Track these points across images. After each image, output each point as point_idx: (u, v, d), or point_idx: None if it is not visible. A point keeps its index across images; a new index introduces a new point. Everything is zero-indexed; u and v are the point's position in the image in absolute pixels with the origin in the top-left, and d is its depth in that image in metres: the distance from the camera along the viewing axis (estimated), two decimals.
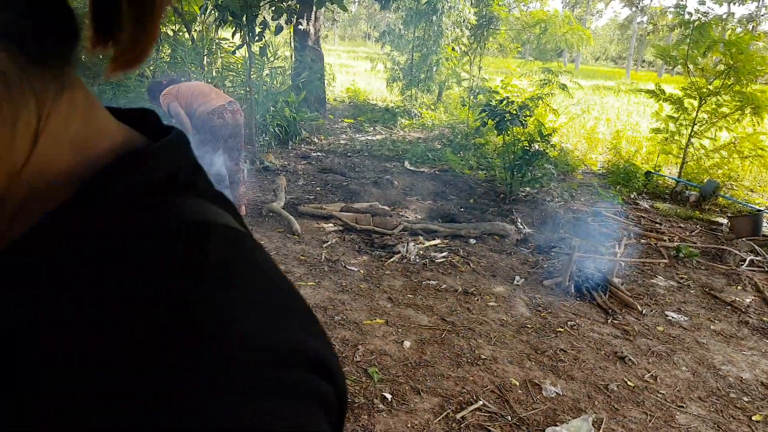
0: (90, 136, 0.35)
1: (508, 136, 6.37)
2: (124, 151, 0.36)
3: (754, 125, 7.23)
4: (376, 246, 4.70)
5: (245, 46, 6.84)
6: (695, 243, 5.41)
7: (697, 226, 6.04)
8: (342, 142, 9.02)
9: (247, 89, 7.34)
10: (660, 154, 8.13)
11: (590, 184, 7.41)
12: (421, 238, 4.88)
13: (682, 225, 6.08)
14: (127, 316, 0.29)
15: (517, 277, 4.33)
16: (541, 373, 3.12)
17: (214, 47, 8.39)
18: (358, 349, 3.17)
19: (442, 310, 3.73)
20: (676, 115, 7.66)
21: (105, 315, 0.29)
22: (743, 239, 5.46)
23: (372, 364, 3.05)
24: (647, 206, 6.73)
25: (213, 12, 6.89)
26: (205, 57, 8.16)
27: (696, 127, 7.42)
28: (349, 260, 4.37)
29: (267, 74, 8.86)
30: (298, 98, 8.70)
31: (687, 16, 7.58)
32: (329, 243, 4.66)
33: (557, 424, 2.72)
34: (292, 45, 10.36)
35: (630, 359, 3.34)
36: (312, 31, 10.03)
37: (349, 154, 8.21)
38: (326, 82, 11.48)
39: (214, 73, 8.24)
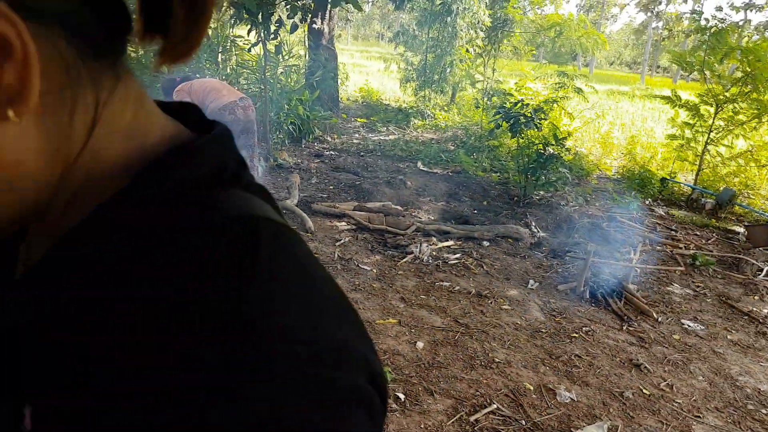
0: (141, 128, 0.36)
1: (523, 138, 6.33)
2: (172, 144, 0.36)
3: None
4: (389, 246, 4.68)
5: (260, 44, 6.85)
6: (711, 251, 5.35)
7: (714, 235, 5.97)
8: (355, 141, 9.01)
9: (262, 87, 7.35)
10: (675, 161, 8.05)
11: (605, 189, 7.35)
12: (434, 239, 4.86)
13: (698, 233, 6.02)
14: (177, 311, 0.29)
15: (532, 281, 4.30)
16: (555, 378, 3.09)
17: (230, 44, 8.41)
18: None
19: (455, 312, 3.70)
20: (692, 122, 7.58)
21: (155, 310, 0.29)
22: (760, 248, 5.39)
23: (385, 363, 3.03)
24: (663, 213, 6.66)
25: (229, 9, 6.91)
26: (220, 54, 8.18)
27: (712, 134, 7.34)
28: (362, 259, 4.35)
29: (281, 72, 8.88)
30: (312, 97, 8.71)
31: (703, 23, 7.50)
32: (342, 241, 4.65)
33: (572, 430, 2.68)
34: (307, 44, 10.37)
35: (645, 367, 3.30)
36: (326, 30, 10.03)
37: (361, 153, 8.20)
38: (339, 81, 11.48)
39: (228, 71, 8.27)
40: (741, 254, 5.29)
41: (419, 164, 7.68)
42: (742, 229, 6.12)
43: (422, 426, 2.59)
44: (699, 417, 2.91)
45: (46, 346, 0.31)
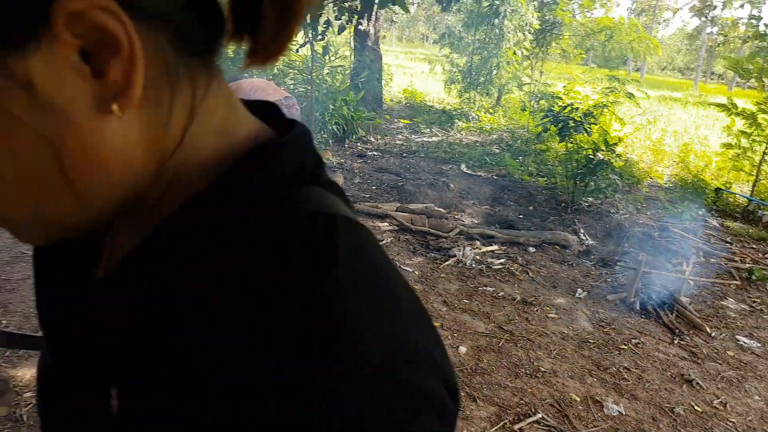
0: (231, 126, 0.36)
1: (571, 143, 6.19)
2: (257, 143, 0.37)
3: None
4: (432, 248, 4.64)
5: (308, 45, 6.92)
6: None
7: None
8: (398, 142, 9.00)
9: (308, 87, 7.42)
10: (731, 171, 7.73)
11: (656, 197, 7.11)
12: (477, 242, 4.79)
13: (754, 246, 5.75)
14: (255, 310, 0.29)
15: (579, 290, 4.19)
16: (602, 390, 3.00)
17: None
18: None
19: (499, 318, 3.64)
20: (748, 131, 7.27)
21: (234, 308, 0.30)
22: None
23: None
24: (717, 224, 6.40)
25: None
26: None
27: None
28: (403, 260, 4.33)
29: (327, 73, 8.95)
30: (357, 97, 8.75)
31: (762, 28, 7.19)
32: (384, 242, 4.64)
33: None
34: (352, 45, 10.43)
35: (698, 383, 3.17)
36: (372, 31, 10.07)
37: (404, 154, 8.19)
38: (384, 82, 11.50)
39: (275, 71, 8.38)
40: None
41: (463, 167, 7.60)
42: None
43: None
44: None
45: (134, 335, 0.32)
